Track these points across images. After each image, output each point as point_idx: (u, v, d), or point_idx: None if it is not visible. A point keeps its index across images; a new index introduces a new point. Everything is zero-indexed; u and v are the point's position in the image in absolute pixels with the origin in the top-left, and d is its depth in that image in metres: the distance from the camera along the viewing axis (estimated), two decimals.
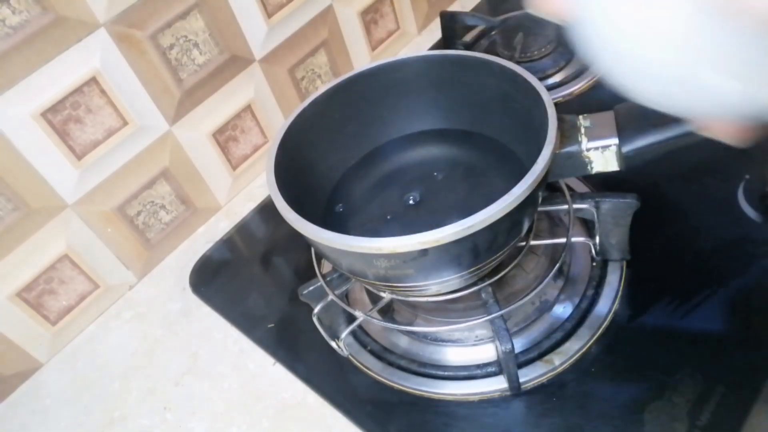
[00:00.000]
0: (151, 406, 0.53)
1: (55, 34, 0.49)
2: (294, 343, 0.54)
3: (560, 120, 0.41)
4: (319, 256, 0.51)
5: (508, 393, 0.47)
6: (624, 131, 0.41)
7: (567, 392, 0.46)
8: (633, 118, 0.41)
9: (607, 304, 0.50)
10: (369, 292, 0.55)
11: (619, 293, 0.50)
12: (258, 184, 0.71)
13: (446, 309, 0.50)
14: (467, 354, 0.50)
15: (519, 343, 0.48)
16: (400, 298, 0.48)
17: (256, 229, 0.66)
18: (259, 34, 0.63)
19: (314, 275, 0.50)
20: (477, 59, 0.48)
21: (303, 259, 0.59)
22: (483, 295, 0.46)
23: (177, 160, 0.62)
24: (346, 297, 0.54)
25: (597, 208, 0.48)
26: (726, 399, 0.43)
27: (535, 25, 0.73)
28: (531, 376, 0.47)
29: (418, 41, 0.82)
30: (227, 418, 0.51)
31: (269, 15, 0.63)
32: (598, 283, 0.51)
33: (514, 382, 0.46)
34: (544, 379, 0.47)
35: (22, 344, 0.56)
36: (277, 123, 0.69)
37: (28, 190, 0.52)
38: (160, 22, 0.55)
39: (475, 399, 0.47)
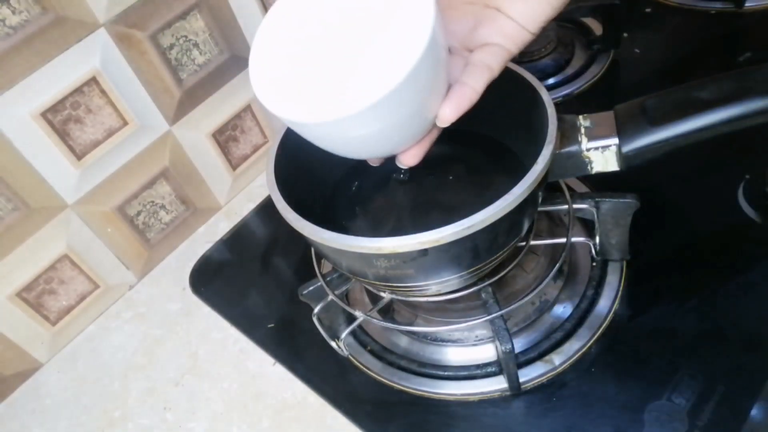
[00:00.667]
0: (151, 406, 0.53)
1: (55, 34, 0.49)
2: (294, 343, 0.54)
3: (560, 120, 0.41)
4: (319, 256, 0.51)
5: (508, 393, 0.47)
6: (624, 131, 0.41)
7: (567, 392, 0.46)
8: (633, 118, 0.41)
9: (607, 304, 0.50)
10: (369, 292, 0.55)
11: (619, 293, 0.50)
12: (258, 184, 0.71)
13: (446, 309, 0.50)
14: (467, 354, 0.50)
15: (519, 343, 0.48)
16: (400, 298, 0.48)
17: (256, 229, 0.66)
18: None
19: (314, 275, 0.50)
20: None
21: (303, 259, 0.59)
22: (483, 295, 0.46)
23: (177, 160, 0.62)
24: (346, 297, 0.54)
25: (597, 208, 0.48)
26: (726, 399, 0.43)
27: None
28: (531, 376, 0.47)
29: None
30: (227, 418, 0.51)
31: None
32: (598, 283, 0.51)
33: (514, 382, 0.46)
34: (544, 379, 0.47)
35: (22, 344, 0.56)
36: (277, 123, 0.68)
37: (28, 190, 0.52)
38: (160, 22, 0.55)
39: (475, 399, 0.47)
